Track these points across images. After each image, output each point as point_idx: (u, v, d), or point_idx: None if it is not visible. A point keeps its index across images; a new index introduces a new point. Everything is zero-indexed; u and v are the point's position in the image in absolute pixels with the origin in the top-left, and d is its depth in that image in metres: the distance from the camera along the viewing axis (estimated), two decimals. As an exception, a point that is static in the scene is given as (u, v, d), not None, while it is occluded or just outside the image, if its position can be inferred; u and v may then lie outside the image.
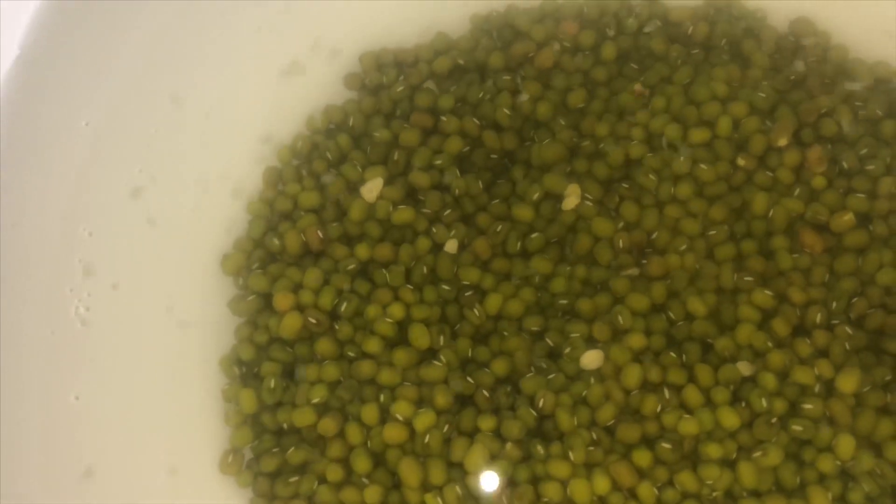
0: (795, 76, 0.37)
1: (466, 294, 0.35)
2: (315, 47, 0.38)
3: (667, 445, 0.32)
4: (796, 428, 0.32)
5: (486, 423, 0.33)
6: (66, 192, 0.32)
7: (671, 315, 0.34)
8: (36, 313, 0.31)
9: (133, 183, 0.34)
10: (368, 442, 0.33)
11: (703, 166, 0.36)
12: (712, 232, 0.35)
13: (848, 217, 0.35)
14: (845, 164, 0.36)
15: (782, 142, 0.36)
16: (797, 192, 0.36)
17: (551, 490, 0.32)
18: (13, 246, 0.31)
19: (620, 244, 0.35)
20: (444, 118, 0.37)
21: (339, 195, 0.36)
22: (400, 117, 0.37)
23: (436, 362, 0.34)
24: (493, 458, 0.32)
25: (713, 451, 0.32)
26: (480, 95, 0.37)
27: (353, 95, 0.38)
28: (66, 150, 0.32)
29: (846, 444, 0.32)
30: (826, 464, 0.32)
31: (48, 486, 0.30)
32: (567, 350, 0.34)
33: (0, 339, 0.30)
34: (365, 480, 0.33)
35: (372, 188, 0.36)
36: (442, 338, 0.34)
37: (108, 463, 0.31)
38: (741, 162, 0.36)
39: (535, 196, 0.36)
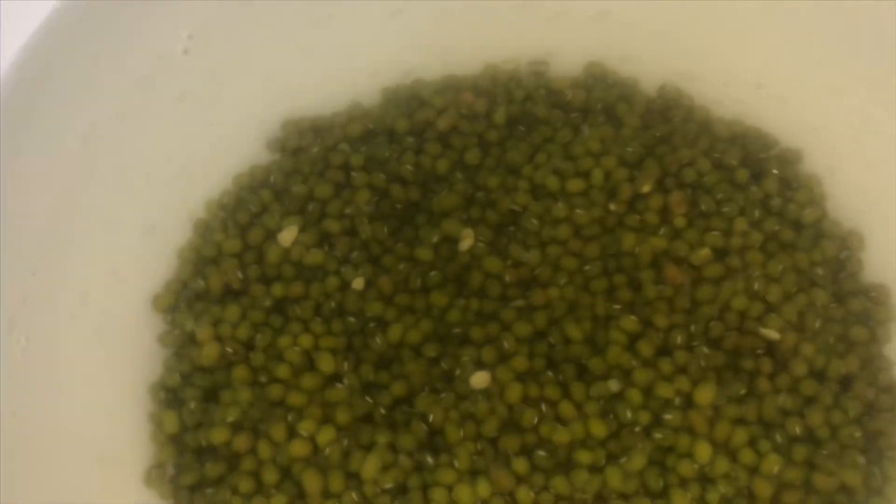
0: (661, 133, 0.43)
1: (371, 325, 0.39)
2: (246, 118, 0.44)
3: (543, 453, 0.36)
4: (658, 436, 0.36)
5: (382, 437, 0.36)
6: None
7: (551, 340, 0.39)
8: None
9: (73, 236, 0.39)
10: (277, 457, 0.37)
11: (578, 211, 0.41)
12: (588, 267, 0.40)
13: (705, 252, 0.39)
14: (703, 207, 0.41)
15: (646, 188, 0.41)
16: (661, 231, 0.40)
17: (438, 494, 0.35)
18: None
19: (508, 279, 0.40)
20: (354, 173, 0.42)
21: (259, 242, 0.41)
22: (316, 174, 0.42)
23: (339, 385, 0.38)
24: (387, 468, 0.36)
25: (584, 457, 0.36)
26: (388, 154, 0.43)
27: (276, 157, 0.44)
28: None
29: (703, 451, 0.36)
30: (686, 468, 0.36)
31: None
32: (458, 372, 0.38)
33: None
34: (273, 491, 0.36)
35: (288, 235, 0.41)
36: (346, 364, 0.38)
37: (41, 472, 0.34)
38: (612, 207, 0.41)
39: (435, 239, 0.41)
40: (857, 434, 0.36)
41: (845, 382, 0.38)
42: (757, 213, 0.40)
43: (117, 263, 0.39)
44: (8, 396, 0.34)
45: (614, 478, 0.35)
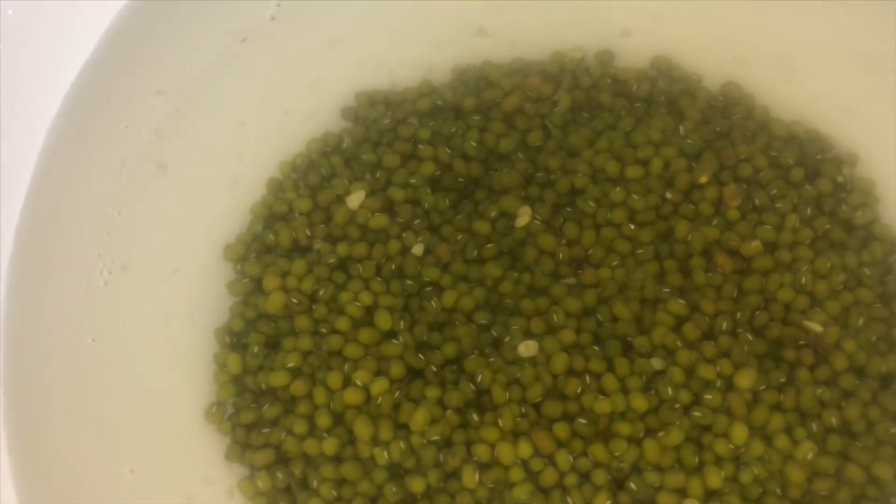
0: (721, 128, 0.44)
1: (427, 289, 0.41)
2: (327, 87, 0.46)
3: (583, 421, 0.37)
4: (696, 414, 0.37)
5: (432, 392, 0.38)
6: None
7: (599, 317, 0.40)
8: (66, 275, 0.38)
9: (158, 184, 0.42)
10: (331, 403, 0.39)
11: (635, 197, 0.42)
12: (640, 251, 0.41)
13: (756, 244, 0.41)
14: (757, 201, 0.42)
15: (703, 179, 0.42)
16: (715, 221, 0.42)
17: (481, 450, 0.37)
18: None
19: (561, 257, 0.41)
20: (421, 146, 0.44)
21: (327, 203, 0.43)
22: (384, 145, 0.45)
23: (394, 341, 0.40)
24: (434, 421, 0.38)
25: (623, 428, 0.37)
26: (453, 130, 0.44)
27: (348, 125, 0.46)
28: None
29: (740, 432, 0.37)
30: (721, 447, 0.37)
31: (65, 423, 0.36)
32: (507, 339, 0.40)
33: (35, 290, 0.37)
34: (325, 434, 0.38)
35: (355, 199, 0.43)
36: (402, 323, 0.40)
37: (117, 404, 0.37)
38: (668, 195, 0.42)
39: (493, 214, 0.42)
40: (894, 430, 0.37)
41: (885, 380, 0.39)
42: (809, 211, 0.41)
43: (195, 214, 0.42)
44: (91, 324, 0.37)
45: (651, 450, 0.37)
